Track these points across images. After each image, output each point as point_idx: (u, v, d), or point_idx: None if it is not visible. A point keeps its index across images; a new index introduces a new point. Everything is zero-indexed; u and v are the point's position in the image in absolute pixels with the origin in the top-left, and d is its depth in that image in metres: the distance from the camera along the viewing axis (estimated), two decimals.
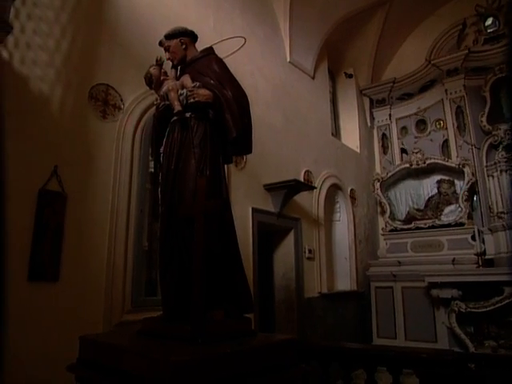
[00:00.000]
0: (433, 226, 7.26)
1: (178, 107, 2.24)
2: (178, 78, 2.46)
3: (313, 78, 7.07)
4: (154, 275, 3.83)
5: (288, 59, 6.46)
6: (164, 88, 2.37)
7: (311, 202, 6.27)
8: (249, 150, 2.39)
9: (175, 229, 2.12)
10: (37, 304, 2.86)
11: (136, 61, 3.80)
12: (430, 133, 7.92)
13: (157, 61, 2.44)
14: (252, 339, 2.10)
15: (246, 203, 4.82)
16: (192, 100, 2.22)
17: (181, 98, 2.27)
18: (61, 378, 2.68)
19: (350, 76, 8.38)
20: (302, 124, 6.47)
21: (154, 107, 3.79)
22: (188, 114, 2.26)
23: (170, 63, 2.54)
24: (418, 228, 7.44)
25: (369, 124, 8.77)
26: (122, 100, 3.70)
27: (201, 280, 1.89)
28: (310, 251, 5.93)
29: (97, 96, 3.53)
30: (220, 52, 2.66)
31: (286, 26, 6.35)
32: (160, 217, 2.24)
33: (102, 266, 3.24)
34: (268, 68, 5.94)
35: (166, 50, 2.52)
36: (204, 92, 2.23)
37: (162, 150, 2.36)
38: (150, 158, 3.77)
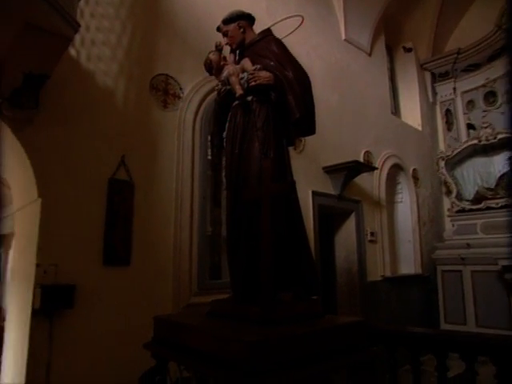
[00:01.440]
0: (506, 206, 6.79)
1: (239, 91, 2.24)
2: (237, 62, 2.45)
3: (369, 54, 6.80)
4: (217, 259, 3.92)
5: (343, 37, 6.25)
6: (224, 73, 2.37)
7: (372, 183, 6.09)
8: (312, 131, 2.34)
9: (241, 212, 2.14)
10: (111, 286, 3.05)
11: (193, 49, 3.86)
12: (500, 105, 7.35)
13: (216, 46, 2.44)
14: (321, 321, 2.09)
15: (305, 186, 4.77)
16: (253, 83, 2.21)
17: (242, 81, 2.27)
18: (137, 354, 2.85)
19: (409, 50, 7.95)
20: (360, 103, 6.26)
21: (212, 94, 3.90)
22: (250, 98, 2.25)
23: (229, 48, 2.54)
24: (488, 208, 6.99)
25: (431, 100, 8.31)
26: (181, 89, 3.78)
27: (269, 262, 1.90)
28: (372, 234, 5.79)
29: (157, 86, 3.63)
30: (276, 34, 2.62)
31: (340, 2, 6.14)
32: (226, 201, 2.28)
33: (169, 250, 3.38)
34: (323, 47, 5.78)
35: (225, 34, 2.51)
36: (265, 74, 2.21)
37: (224, 134, 2.38)
38: (209, 143, 3.83)
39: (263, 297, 1.90)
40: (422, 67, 8.19)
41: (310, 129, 2.33)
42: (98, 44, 3.35)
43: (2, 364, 3.40)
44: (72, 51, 3.18)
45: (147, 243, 3.26)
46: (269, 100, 2.25)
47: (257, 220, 2.00)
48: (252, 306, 1.96)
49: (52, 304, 2.66)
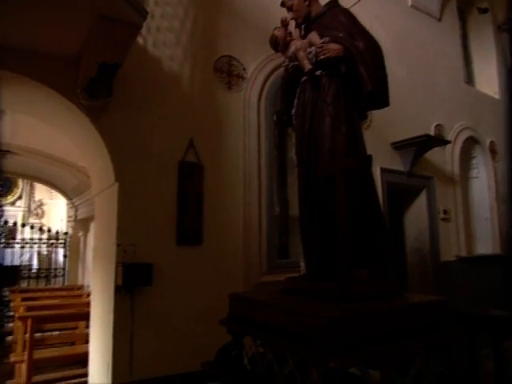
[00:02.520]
0: None
1: (307, 66, 2.19)
2: (304, 37, 2.39)
3: (439, 19, 6.34)
4: (285, 239, 3.94)
5: (409, 3, 5.87)
6: (292, 48, 2.32)
7: (444, 158, 5.75)
8: (386, 103, 2.24)
9: (314, 189, 2.11)
10: (185, 265, 3.18)
11: (255, 28, 3.82)
12: None
13: (282, 22, 2.39)
14: (400, 299, 2.03)
15: (373, 163, 4.58)
16: (322, 57, 2.14)
17: (310, 56, 2.21)
18: (212, 330, 2.96)
19: (485, 11, 7.29)
20: (429, 73, 5.88)
21: (276, 72, 3.86)
22: (319, 72, 2.19)
23: (294, 23, 2.48)
24: None
25: (509, 65, 7.61)
26: (244, 69, 3.78)
27: (345, 239, 1.86)
28: (444, 212, 5.49)
29: (221, 68, 3.65)
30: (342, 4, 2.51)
31: None
32: (297, 178, 2.26)
33: (238, 230, 3.44)
34: (388, 16, 5.47)
35: (289, 9, 2.45)
36: (334, 47, 2.13)
37: (293, 111, 2.34)
38: (274, 119, 3.81)
39: (339, 274, 1.88)
40: (499, 29, 7.49)
41: (384, 101, 2.23)
42: (162, 30, 3.43)
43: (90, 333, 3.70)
44: (139, 39, 3.28)
45: (218, 223, 3.35)
46: (339, 73, 2.17)
47: (331, 196, 1.96)
48: (328, 283, 1.95)
49: (132, 281, 2.83)
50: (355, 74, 2.12)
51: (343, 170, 1.86)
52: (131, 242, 2.94)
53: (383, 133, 4.88)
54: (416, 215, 5.38)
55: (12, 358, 5.02)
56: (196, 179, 3.24)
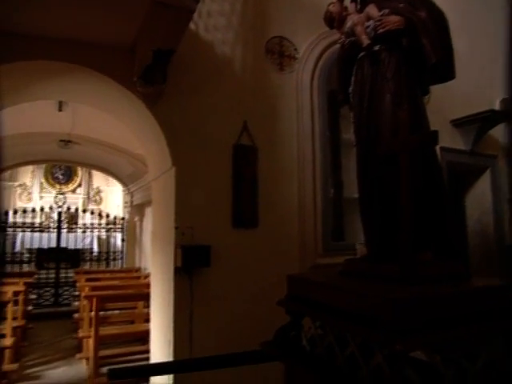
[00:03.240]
0: None
1: (366, 41, 2.10)
2: (360, 11, 2.29)
3: None
4: (340, 221, 3.88)
5: None
6: (348, 24, 2.24)
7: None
8: (451, 75, 2.11)
9: (374, 168, 2.05)
10: (242, 247, 3.23)
11: (305, 7, 3.73)
12: None
13: None
14: (466, 282, 1.94)
15: None
16: (381, 30, 2.05)
17: (368, 30, 2.12)
18: (269, 310, 3.00)
19: None
20: (493, 43, 5.48)
21: (328, 51, 3.76)
22: (378, 47, 2.10)
23: None
24: None
25: None
26: (295, 49, 3.71)
27: (409, 220, 1.80)
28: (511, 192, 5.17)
29: (272, 49, 3.61)
30: None
31: None
32: (356, 157, 2.20)
33: (293, 212, 3.44)
34: None
35: None
36: (394, 18, 2.03)
37: (350, 89, 2.27)
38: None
39: (402, 255, 1.82)
40: None
41: (449, 73, 2.10)
42: (213, 14, 3.43)
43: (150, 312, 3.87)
44: (191, 25, 3.29)
45: (273, 206, 3.36)
46: (399, 47, 2.07)
47: (392, 175, 1.89)
48: (390, 265, 1.90)
49: (191, 262, 2.91)
50: (417, 46, 2.01)
51: (407, 148, 1.78)
52: (189, 225, 3.02)
53: (442, 109, 4.63)
54: (479, 196, 5.10)
55: (80, 334, 5.38)
56: (250, 162, 3.25)
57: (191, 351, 2.98)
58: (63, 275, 9.10)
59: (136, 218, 9.31)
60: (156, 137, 3.25)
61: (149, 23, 2.71)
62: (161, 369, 2.10)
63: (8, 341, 4.80)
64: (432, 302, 1.64)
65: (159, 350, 3.43)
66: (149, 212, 8.31)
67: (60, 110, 4.84)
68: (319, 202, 3.51)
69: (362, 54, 2.18)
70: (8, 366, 4.83)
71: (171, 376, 2.96)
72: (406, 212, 1.80)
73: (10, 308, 4.99)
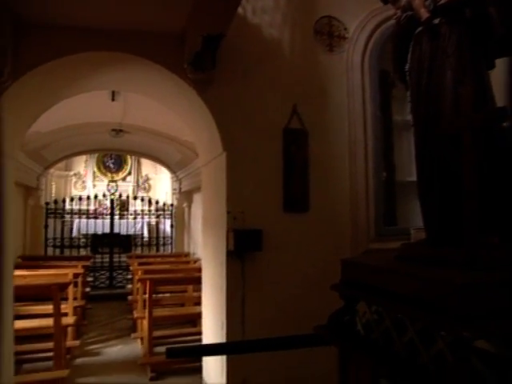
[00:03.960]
0: None
1: (425, 14, 1.99)
2: None
3: None
4: (392, 205, 3.77)
5: None
6: None
7: None
8: None
9: (434, 148, 1.96)
10: (293, 232, 3.23)
11: None
12: None
13: None
14: None
15: None
16: (443, 1, 1.93)
17: (427, 3, 2.01)
18: (320, 295, 2.99)
19: None
20: None
21: (379, 30, 3.62)
22: (437, 20, 1.99)
23: None
24: None
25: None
26: (345, 29, 3.60)
27: (473, 202, 1.71)
28: None
29: (321, 30, 3.52)
30: None
31: None
32: (414, 137, 2.11)
33: (345, 196, 3.38)
34: None
35: None
36: None
37: (407, 67, 2.18)
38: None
39: (467, 239, 1.74)
40: None
41: None
42: None
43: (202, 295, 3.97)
44: (239, 9, 3.27)
45: (324, 190, 3.32)
46: (462, 19, 1.95)
47: (454, 155, 1.81)
48: (453, 249, 1.82)
49: (243, 246, 2.95)
50: (483, 16, 1.89)
51: (471, 126, 1.69)
52: (240, 210, 3.05)
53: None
54: None
55: (135, 315, 5.62)
56: (301, 145, 3.22)
57: (243, 334, 3.03)
58: (116, 259, 9.52)
59: (184, 205, 9.53)
60: (206, 123, 3.28)
61: (198, 9, 2.72)
62: (215, 349, 2.15)
63: (70, 319, 5.10)
64: (499, 289, 1.56)
65: (211, 331, 3.52)
66: (197, 198, 8.48)
67: (113, 99, 5.00)
68: (371, 185, 3.43)
69: (419, 28, 2.07)
70: (71, 342, 5.15)
71: (224, 357, 3.04)
72: (470, 194, 1.72)
73: (70, 289, 5.28)
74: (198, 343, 4.30)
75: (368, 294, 2.08)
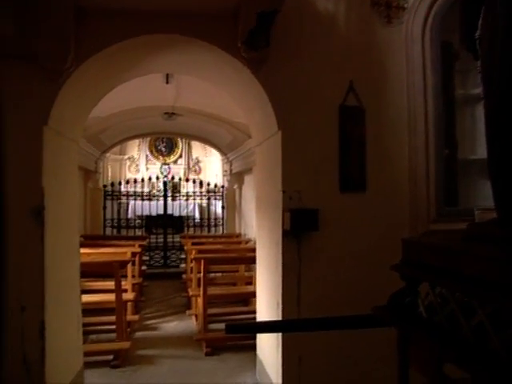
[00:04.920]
0: None
1: None
2: None
3: None
4: (454, 184, 3.59)
5: None
6: None
7: None
8: None
9: (507, 123, 1.82)
10: (350, 212, 3.17)
11: None
12: None
13: None
14: None
15: None
16: None
17: None
18: (377, 275, 2.94)
19: None
20: None
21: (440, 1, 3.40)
22: None
23: None
24: None
25: None
26: None
27: None
28: None
29: (378, 1, 3.35)
30: None
31: None
32: (485, 112, 1.97)
33: (403, 175, 3.26)
34: None
35: None
36: None
37: (477, 35, 2.02)
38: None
39: None
40: None
41: None
42: None
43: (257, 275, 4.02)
44: None
45: (382, 168, 3.22)
46: None
47: None
48: None
49: (300, 226, 2.93)
50: None
51: None
52: (296, 189, 3.03)
53: None
54: None
55: (190, 293, 5.81)
56: (357, 123, 3.13)
57: (299, 313, 3.04)
58: (170, 240, 9.86)
59: (235, 186, 9.64)
60: (261, 102, 3.26)
61: None
62: (274, 326, 2.18)
63: (130, 295, 5.36)
64: None
65: (266, 310, 3.56)
66: (248, 180, 8.54)
67: (167, 82, 5.09)
68: (432, 164, 3.27)
69: None
70: (130, 317, 5.43)
71: (280, 335, 3.07)
72: None
73: (129, 267, 5.54)
74: (251, 321, 4.38)
75: (432, 275, 2.01)
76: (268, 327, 2.10)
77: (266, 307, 3.57)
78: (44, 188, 2.80)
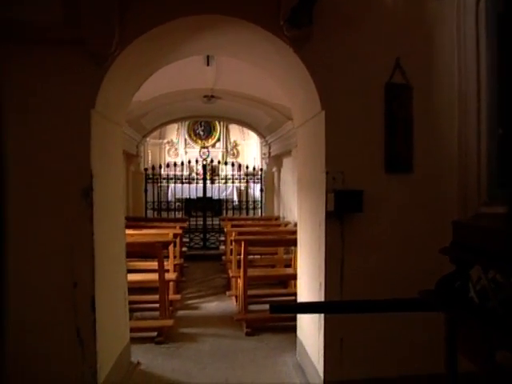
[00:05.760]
0: None
1: None
2: None
3: None
4: (508, 166, 3.40)
5: None
6: None
7: None
8: None
9: None
10: (395, 193, 3.09)
11: None
12: None
13: None
14: None
15: None
16: None
17: None
18: (423, 258, 2.87)
19: None
20: None
21: None
22: None
23: None
24: None
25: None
26: None
27: None
28: None
29: None
30: None
31: None
32: None
33: (453, 155, 3.14)
34: None
35: None
36: None
37: None
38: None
39: None
40: None
41: None
42: None
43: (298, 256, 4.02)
44: None
45: (429, 149, 3.10)
46: None
47: None
48: None
49: (344, 207, 2.88)
50: None
51: None
52: (339, 170, 2.98)
53: None
54: None
55: (230, 274, 5.90)
56: (404, 102, 3.01)
57: (341, 295, 3.02)
58: (209, 222, 10.02)
59: (274, 169, 9.62)
60: (303, 82, 3.20)
61: None
62: (318, 307, 2.17)
63: (172, 275, 5.52)
64: None
65: (308, 292, 3.56)
66: (287, 162, 8.49)
67: (208, 64, 5.09)
68: (484, 144, 3.10)
69: None
70: (173, 296, 5.59)
71: (322, 317, 3.07)
72: None
73: (171, 248, 5.69)
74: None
75: (485, 259, 1.93)
76: (312, 308, 2.10)
77: (308, 289, 3.57)
78: (92, 170, 2.89)
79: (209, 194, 10.57)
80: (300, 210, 3.95)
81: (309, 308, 2.18)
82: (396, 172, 3.03)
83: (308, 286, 3.55)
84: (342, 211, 2.92)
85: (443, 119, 3.12)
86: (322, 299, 3.06)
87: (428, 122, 3.09)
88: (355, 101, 3.03)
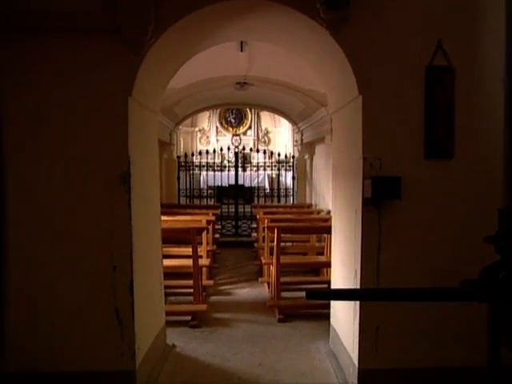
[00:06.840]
0: None
1: None
2: None
3: None
4: None
5: None
6: None
7: None
8: None
9: None
10: (435, 180, 2.99)
11: None
12: None
13: None
14: None
15: None
16: None
17: None
18: (464, 247, 2.78)
19: None
20: None
21: None
22: None
23: None
24: None
25: None
26: None
27: None
28: None
29: None
30: None
31: None
32: None
33: (497, 142, 2.98)
34: None
35: None
36: None
37: None
38: None
39: None
40: None
41: None
42: None
43: (332, 243, 3.98)
44: None
45: (472, 134, 2.97)
46: None
47: None
48: None
49: (381, 194, 2.82)
50: None
51: None
52: (376, 156, 2.91)
53: None
54: None
55: (262, 261, 5.93)
56: (446, 85, 2.89)
57: (378, 282, 2.97)
58: (241, 210, 10.08)
59: (306, 156, 9.53)
60: (339, 66, 3.13)
61: None
62: (354, 294, 2.13)
63: (205, 261, 5.60)
64: None
65: (342, 280, 3.53)
66: (319, 149, 8.39)
67: (241, 50, 5.06)
68: None
69: None
70: (206, 282, 5.68)
71: (357, 304, 3.03)
72: None
73: (204, 234, 5.76)
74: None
75: None
76: (349, 295, 2.06)
77: (342, 276, 3.54)
78: (130, 157, 2.94)
79: (240, 182, 10.61)
80: (335, 197, 3.89)
81: (346, 295, 2.15)
82: (436, 158, 2.93)
83: (342, 273, 3.52)
84: (379, 198, 2.85)
85: (487, 102, 2.97)
86: (357, 287, 3.03)
87: (471, 106, 2.96)
88: (394, 84, 2.93)
